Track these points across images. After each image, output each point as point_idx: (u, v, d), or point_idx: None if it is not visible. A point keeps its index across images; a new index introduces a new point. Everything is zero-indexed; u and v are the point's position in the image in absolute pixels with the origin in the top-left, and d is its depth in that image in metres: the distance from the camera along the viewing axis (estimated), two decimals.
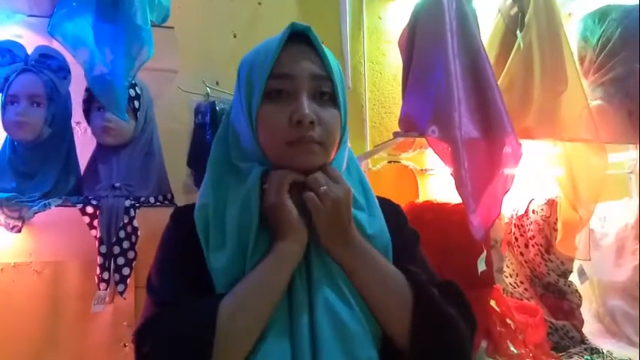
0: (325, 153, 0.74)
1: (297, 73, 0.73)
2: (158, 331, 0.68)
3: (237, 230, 0.73)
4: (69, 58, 1.27)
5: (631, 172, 1.77)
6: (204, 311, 0.68)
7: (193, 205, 0.80)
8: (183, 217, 0.81)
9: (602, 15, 1.61)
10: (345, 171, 0.81)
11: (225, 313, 0.67)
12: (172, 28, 1.45)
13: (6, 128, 1.28)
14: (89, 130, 1.37)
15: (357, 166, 0.86)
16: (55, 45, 1.27)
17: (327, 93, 0.75)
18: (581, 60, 1.64)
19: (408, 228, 0.89)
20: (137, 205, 1.29)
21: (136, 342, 0.69)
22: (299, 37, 0.75)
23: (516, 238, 1.58)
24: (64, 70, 1.31)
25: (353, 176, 0.83)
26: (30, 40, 1.34)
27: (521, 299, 1.51)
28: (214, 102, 1.49)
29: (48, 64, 1.29)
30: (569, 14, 1.83)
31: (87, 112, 1.35)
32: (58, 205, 1.23)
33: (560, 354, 1.39)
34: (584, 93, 1.46)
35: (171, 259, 0.78)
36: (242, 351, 0.68)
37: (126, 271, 1.25)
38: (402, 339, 0.72)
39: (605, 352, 1.42)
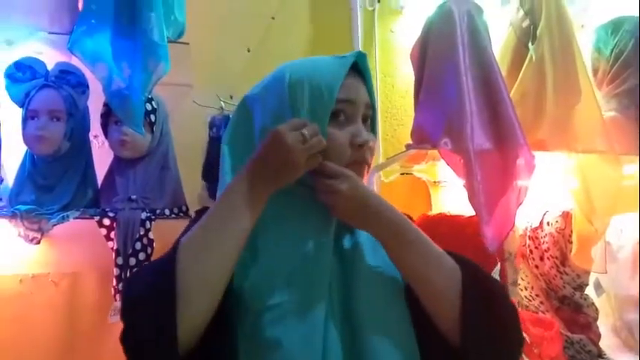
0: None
1: (358, 99, 0.77)
2: (129, 285, 0.72)
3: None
4: (88, 73, 1.30)
5: None
6: (165, 259, 0.67)
7: None
8: None
9: (615, 26, 1.60)
10: None
11: (184, 257, 0.65)
12: (187, 43, 1.48)
13: (26, 142, 1.31)
14: (107, 143, 1.40)
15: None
16: (75, 61, 1.30)
17: (370, 119, 0.81)
18: (595, 71, 1.63)
19: None
20: (153, 217, 1.31)
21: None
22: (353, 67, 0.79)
23: (531, 251, 1.56)
24: (82, 86, 1.34)
25: None
26: (50, 57, 1.38)
27: (537, 312, 1.49)
28: (228, 115, 1.51)
29: (67, 79, 1.32)
30: (582, 26, 1.82)
31: (104, 126, 1.38)
32: (76, 218, 1.26)
33: None
34: (597, 104, 1.45)
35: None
36: (210, 293, 0.65)
37: None
38: (450, 316, 0.69)
39: None
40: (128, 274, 1.26)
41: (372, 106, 0.80)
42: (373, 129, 0.82)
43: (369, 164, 0.78)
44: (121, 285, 1.25)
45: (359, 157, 0.76)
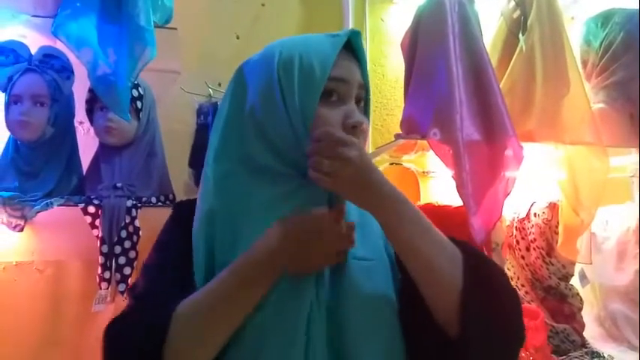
0: None
1: (351, 79, 0.73)
2: (114, 330, 0.67)
3: None
4: (72, 58, 1.28)
5: (633, 176, 1.76)
6: (159, 313, 0.65)
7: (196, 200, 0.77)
8: (186, 212, 0.77)
9: (605, 18, 1.61)
10: None
11: (180, 317, 0.64)
12: (175, 29, 1.45)
13: (9, 128, 1.29)
14: (92, 130, 1.38)
15: None
16: (59, 45, 1.27)
17: (364, 101, 0.77)
18: (584, 63, 1.64)
19: None
20: (139, 205, 1.29)
21: (103, 340, 0.67)
22: (347, 46, 0.75)
23: (517, 241, 1.57)
24: (67, 71, 1.31)
25: None
26: (34, 40, 1.35)
27: (522, 302, 1.51)
28: (217, 103, 1.50)
29: (51, 64, 1.30)
30: (572, 18, 1.82)
31: (90, 112, 1.36)
32: (60, 205, 1.24)
33: (561, 357, 1.38)
34: (586, 96, 1.46)
35: (161, 255, 0.75)
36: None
37: (127, 270, 1.25)
38: (450, 301, 0.64)
39: (606, 355, 1.41)
40: (112, 263, 1.25)
41: (365, 88, 0.77)
42: (367, 112, 0.78)
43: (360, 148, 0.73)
44: (106, 273, 1.24)
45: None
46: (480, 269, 0.68)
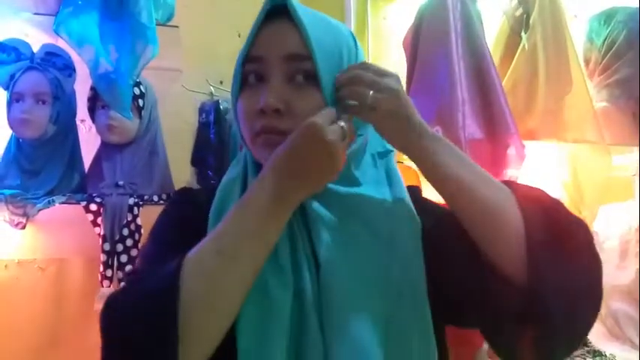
0: None
1: (267, 55, 0.63)
2: (114, 305, 0.57)
3: None
4: (74, 56, 1.28)
5: (635, 175, 1.76)
6: (165, 275, 0.54)
7: (201, 189, 0.77)
8: (188, 197, 0.75)
9: (607, 17, 1.60)
10: (363, 167, 0.68)
11: (190, 289, 0.53)
12: (177, 27, 1.45)
13: (11, 126, 1.29)
14: (94, 128, 1.38)
15: (391, 167, 0.73)
16: (61, 43, 1.28)
17: (308, 74, 0.62)
18: (587, 62, 1.63)
19: (428, 205, 0.77)
20: (140, 203, 1.29)
21: (100, 322, 0.56)
22: (282, 14, 0.64)
23: None
24: (69, 69, 1.32)
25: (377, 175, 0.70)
26: (36, 38, 1.35)
27: None
28: (218, 101, 1.50)
29: (53, 62, 1.30)
30: (575, 16, 1.82)
31: (91, 110, 1.36)
32: (62, 203, 1.24)
33: None
34: (589, 95, 1.45)
35: (159, 240, 0.68)
36: (220, 319, 0.55)
37: (129, 268, 1.26)
38: (516, 246, 0.57)
39: (607, 355, 1.41)
40: (114, 261, 1.25)
41: (305, 57, 0.62)
42: (320, 85, 0.62)
43: (287, 132, 0.59)
44: (108, 271, 1.24)
45: (262, 126, 0.61)
46: (540, 204, 0.60)
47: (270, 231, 0.58)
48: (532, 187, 0.66)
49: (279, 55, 0.62)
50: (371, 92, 0.59)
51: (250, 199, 0.58)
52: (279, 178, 0.57)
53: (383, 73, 0.61)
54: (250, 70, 0.64)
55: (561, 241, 0.57)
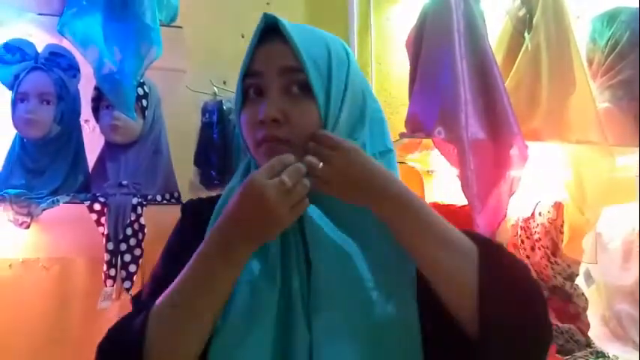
0: (296, 153, 0.64)
1: (264, 69, 0.68)
2: (105, 338, 0.66)
3: None
4: (78, 56, 1.29)
5: (637, 176, 1.75)
6: (134, 327, 0.63)
7: (206, 198, 0.79)
8: (193, 209, 0.78)
9: (610, 17, 1.60)
10: None
11: (154, 315, 0.62)
12: (181, 27, 1.46)
13: (16, 126, 1.29)
14: (97, 128, 1.38)
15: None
16: (65, 43, 1.28)
17: (302, 85, 0.66)
18: (590, 62, 1.63)
19: None
20: (144, 203, 1.30)
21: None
22: (276, 31, 0.69)
23: (522, 241, 1.57)
24: (73, 69, 1.32)
25: None
26: (40, 39, 1.35)
27: None
28: (222, 101, 1.50)
29: (58, 62, 1.30)
30: (578, 16, 1.81)
31: (95, 110, 1.36)
32: (66, 202, 1.25)
33: (566, 357, 1.38)
34: (592, 95, 1.45)
35: (167, 265, 0.73)
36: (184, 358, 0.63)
37: (132, 268, 1.26)
38: (468, 303, 0.60)
39: (610, 355, 1.41)
40: (118, 260, 1.25)
41: (298, 69, 0.66)
42: (314, 95, 0.66)
43: (287, 140, 0.65)
44: (112, 270, 1.25)
45: (263, 135, 0.66)
46: (499, 265, 0.63)
47: (223, 282, 0.63)
48: (500, 250, 0.68)
49: (275, 69, 0.67)
50: (321, 164, 0.63)
51: (201, 254, 0.63)
52: (225, 236, 0.62)
53: (332, 147, 0.63)
54: (250, 84, 0.69)
55: (513, 306, 0.60)
